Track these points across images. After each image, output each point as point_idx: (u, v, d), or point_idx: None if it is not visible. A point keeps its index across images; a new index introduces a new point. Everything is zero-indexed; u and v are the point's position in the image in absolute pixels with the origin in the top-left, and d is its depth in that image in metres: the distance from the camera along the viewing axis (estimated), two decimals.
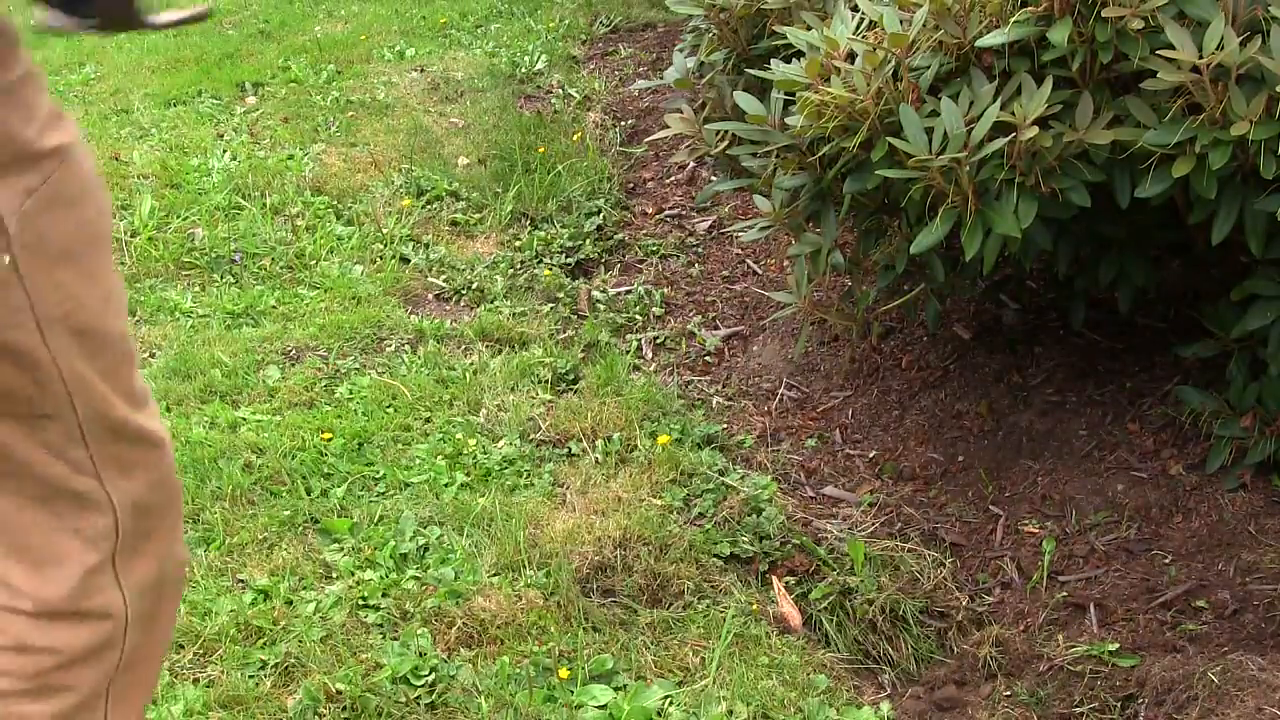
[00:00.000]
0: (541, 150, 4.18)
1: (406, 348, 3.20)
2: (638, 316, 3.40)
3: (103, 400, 1.33)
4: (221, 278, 3.63)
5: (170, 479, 1.42)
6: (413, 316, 3.37)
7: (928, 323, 2.84)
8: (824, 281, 3.12)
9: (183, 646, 2.09)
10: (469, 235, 3.85)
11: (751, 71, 2.51)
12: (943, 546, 2.50)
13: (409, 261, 3.70)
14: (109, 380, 1.34)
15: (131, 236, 3.71)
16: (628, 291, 3.51)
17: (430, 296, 3.54)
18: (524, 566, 2.27)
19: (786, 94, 2.38)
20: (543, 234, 3.80)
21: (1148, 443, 2.57)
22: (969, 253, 2.17)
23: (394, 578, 2.26)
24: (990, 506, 2.57)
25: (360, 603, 2.20)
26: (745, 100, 2.48)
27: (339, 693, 1.98)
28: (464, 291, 3.53)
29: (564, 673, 2.04)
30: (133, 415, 1.36)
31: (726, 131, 2.62)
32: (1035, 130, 2.07)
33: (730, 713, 1.98)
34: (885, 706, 2.07)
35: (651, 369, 3.16)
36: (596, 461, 2.67)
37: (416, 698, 1.99)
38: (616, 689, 2.02)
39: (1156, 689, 2.02)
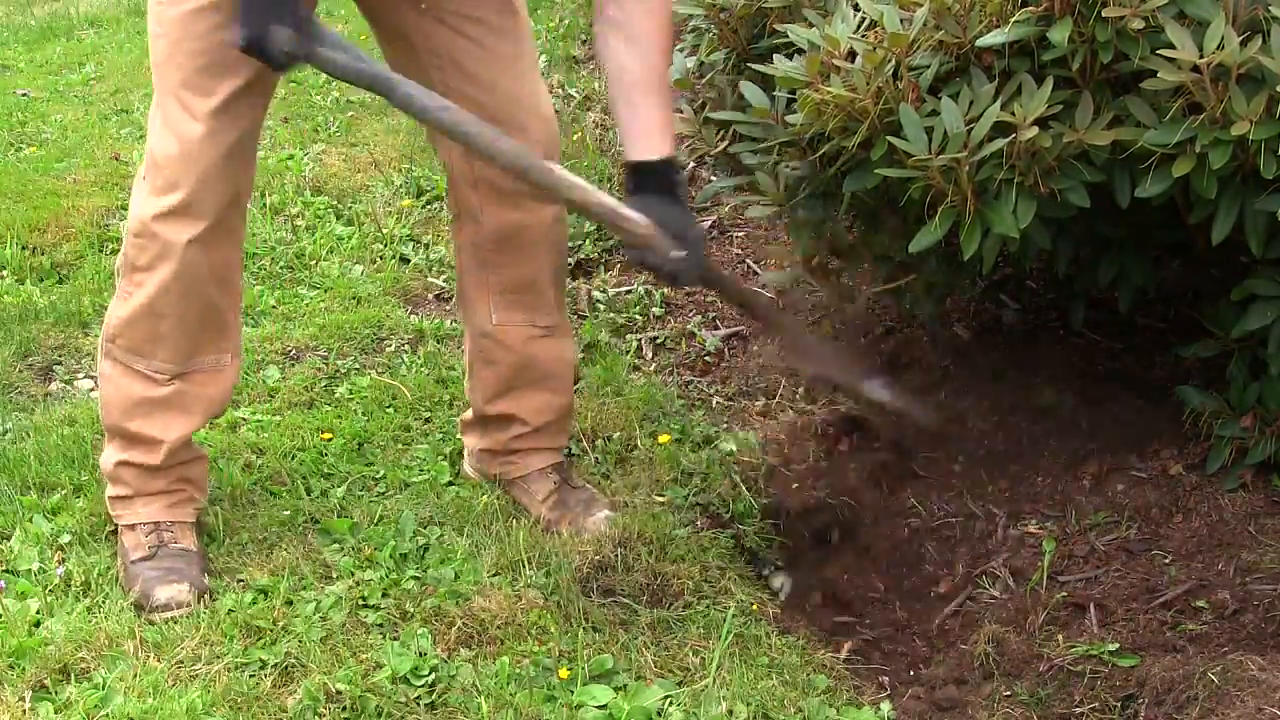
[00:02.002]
0: None
1: (406, 348, 3.20)
2: (638, 316, 3.40)
3: None
4: None
5: None
6: (413, 316, 3.37)
7: (927, 322, 2.84)
8: (822, 258, 3.10)
9: (182, 643, 2.10)
10: None
11: (754, 66, 2.50)
12: (943, 546, 2.50)
13: (409, 261, 3.70)
14: None
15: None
16: (628, 291, 3.51)
17: (430, 296, 3.55)
18: (524, 566, 2.28)
19: (788, 91, 2.38)
20: None
21: (1148, 443, 2.56)
22: (967, 252, 2.17)
23: (394, 578, 2.26)
24: (990, 506, 2.57)
25: (360, 603, 2.21)
26: (750, 91, 2.47)
27: (339, 693, 1.98)
28: None
29: (564, 673, 2.04)
30: None
31: (727, 130, 2.62)
32: (1035, 130, 2.07)
33: (730, 713, 1.98)
34: (885, 706, 2.07)
35: (651, 369, 3.16)
36: (596, 461, 2.67)
37: (416, 698, 1.99)
38: (616, 689, 2.02)
39: (1156, 689, 2.02)
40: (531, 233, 2.38)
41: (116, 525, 2.38)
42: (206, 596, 2.23)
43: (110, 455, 2.37)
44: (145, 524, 2.33)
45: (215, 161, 2.15)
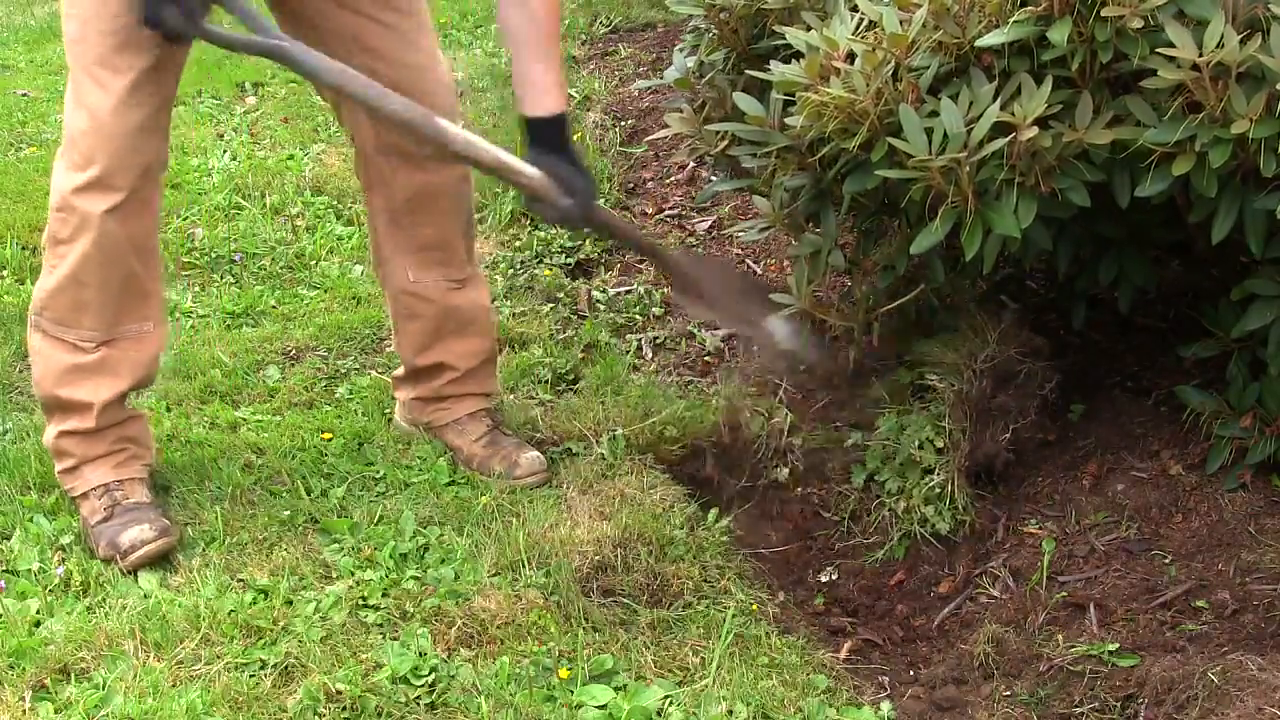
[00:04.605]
0: None
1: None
2: (638, 316, 3.40)
3: None
4: (221, 278, 3.64)
5: None
6: None
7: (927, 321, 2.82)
8: (824, 281, 3.11)
9: (182, 643, 2.10)
10: None
11: (751, 73, 2.51)
12: (943, 546, 2.50)
13: None
14: None
15: None
16: (628, 291, 3.51)
17: None
18: (524, 566, 2.28)
19: (786, 94, 2.38)
20: (543, 234, 3.80)
21: (1148, 443, 2.56)
22: (968, 253, 2.17)
23: (394, 578, 2.26)
24: (990, 507, 2.57)
25: (360, 603, 2.21)
26: (744, 101, 2.48)
27: (339, 693, 1.98)
28: None
29: (564, 673, 2.04)
30: None
31: (726, 132, 2.62)
32: (1035, 130, 2.07)
33: (730, 713, 1.98)
34: (885, 706, 2.07)
35: (651, 369, 3.16)
36: (597, 460, 2.67)
37: (416, 698, 1.99)
38: (616, 689, 2.02)
39: (1156, 689, 2.02)
40: (439, 192, 2.53)
41: (74, 500, 2.46)
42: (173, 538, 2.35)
43: (50, 431, 2.48)
44: (96, 488, 2.43)
45: (127, 136, 2.26)
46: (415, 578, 2.26)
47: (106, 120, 2.24)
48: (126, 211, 2.30)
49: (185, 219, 3.97)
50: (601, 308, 3.43)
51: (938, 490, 2.50)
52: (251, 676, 2.04)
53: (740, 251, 3.71)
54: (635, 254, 2.68)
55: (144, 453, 2.51)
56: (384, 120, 2.26)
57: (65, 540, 2.39)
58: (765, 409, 2.79)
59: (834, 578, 2.55)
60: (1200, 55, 1.95)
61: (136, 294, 2.40)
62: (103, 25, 2.22)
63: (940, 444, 2.51)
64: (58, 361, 2.41)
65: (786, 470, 2.74)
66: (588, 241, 3.77)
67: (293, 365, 3.14)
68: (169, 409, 2.87)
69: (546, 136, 2.32)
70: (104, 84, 2.24)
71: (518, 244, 3.76)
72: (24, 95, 5.45)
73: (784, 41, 2.43)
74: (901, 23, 2.21)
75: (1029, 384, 2.55)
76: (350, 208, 4.06)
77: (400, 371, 2.76)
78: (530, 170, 2.29)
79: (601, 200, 3.98)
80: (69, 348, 2.40)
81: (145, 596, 2.23)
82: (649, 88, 3.87)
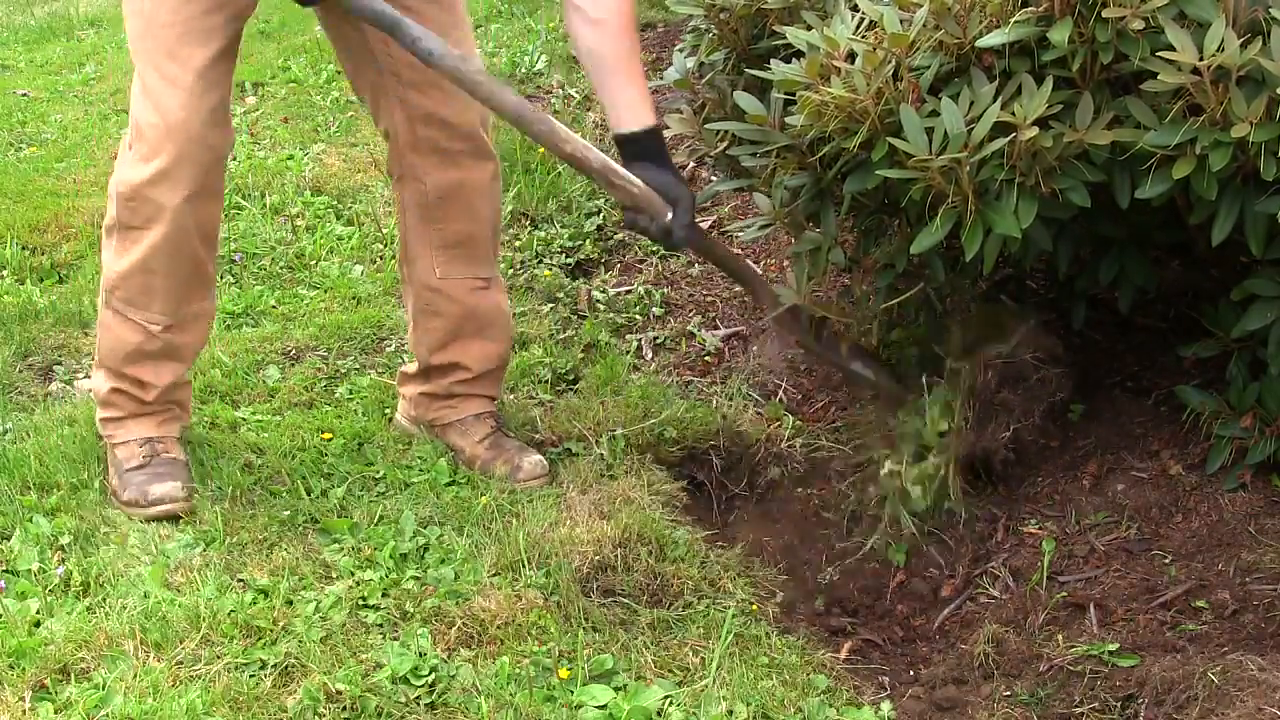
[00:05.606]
0: (541, 150, 4.18)
1: (406, 348, 3.20)
2: (638, 316, 3.41)
3: None
4: (221, 278, 3.63)
5: None
6: None
7: (927, 324, 2.82)
8: (824, 280, 3.11)
9: (182, 643, 2.10)
10: None
11: (751, 71, 2.51)
12: (943, 546, 2.50)
13: None
14: None
15: None
16: (628, 291, 3.51)
17: None
18: (524, 566, 2.28)
19: (786, 94, 2.38)
20: (542, 234, 3.80)
21: (1148, 443, 2.56)
22: (969, 253, 2.17)
23: (394, 578, 2.26)
24: (990, 507, 2.57)
25: (360, 603, 2.21)
26: (745, 100, 2.48)
27: (339, 693, 1.98)
28: None
29: (564, 673, 2.04)
30: None
31: (726, 131, 2.62)
32: (1035, 130, 2.07)
33: (730, 713, 1.98)
34: (885, 706, 2.07)
35: (651, 369, 3.16)
36: (597, 460, 2.67)
37: (416, 698, 1.99)
38: (616, 689, 2.02)
39: (1156, 689, 2.02)
40: (472, 190, 2.54)
41: (105, 442, 2.59)
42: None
43: (104, 382, 2.57)
44: (138, 439, 2.54)
45: (196, 127, 2.32)
46: (415, 578, 2.26)
47: (176, 113, 2.30)
48: (196, 201, 2.37)
49: None
50: (601, 308, 3.43)
51: (938, 489, 2.49)
52: (251, 676, 2.04)
53: (740, 251, 3.71)
54: (729, 278, 2.74)
55: (184, 415, 2.64)
56: (497, 113, 2.29)
57: (65, 540, 2.38)
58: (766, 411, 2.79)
59: (834, 578, 2.55)
60: (1201, 58, 1.95)
61: (200, 277, 2.49)
62: (164, 18, 2.28)
63: (940, 444, 2.51)
64: (125, 341, 2.50)
65: (786, 471, 2.75)
66: (587, 241, 3.77)
67: (293, 365, 3.14)
68: None
69: (644, 150, 2.33)
70: (171, 78, 2.29)
71: (518, 244, 3.76)
72: (24, 95, 5.46)
73: (784, 41, 2.43)
74: (902, 22, 2.21)
75: (1037, 387, 2.55)
76: (350, 208, 4.06)
77: (411, 367, 2.77)
78: (634, 178, 2.29)
79: (602, 200, 3.98)
80: (138, 329, 2.48)
81: (145, 596, 2.23)
82: (649, 88, 3.86)
